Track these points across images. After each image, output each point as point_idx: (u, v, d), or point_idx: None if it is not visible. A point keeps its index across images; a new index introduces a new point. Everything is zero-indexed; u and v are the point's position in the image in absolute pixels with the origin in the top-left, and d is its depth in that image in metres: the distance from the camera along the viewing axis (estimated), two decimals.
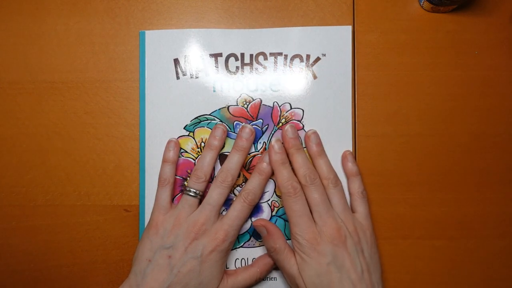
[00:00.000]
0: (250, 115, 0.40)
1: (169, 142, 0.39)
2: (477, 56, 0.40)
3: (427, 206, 0.40)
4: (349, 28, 0.40)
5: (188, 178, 0.40)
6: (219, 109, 0.40)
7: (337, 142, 0.40)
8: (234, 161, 0.38)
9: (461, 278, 0.40)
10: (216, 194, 0.37)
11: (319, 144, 0.39)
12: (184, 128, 0.40)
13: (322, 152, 0.38)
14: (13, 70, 0.41)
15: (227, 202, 0.40)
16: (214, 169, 0.39)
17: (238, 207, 0.37)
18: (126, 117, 0.41)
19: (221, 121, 0.40)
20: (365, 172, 0.40)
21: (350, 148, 0.40)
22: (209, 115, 0.40)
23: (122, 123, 0.41)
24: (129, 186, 0.41)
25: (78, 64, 0.41)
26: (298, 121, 0.40)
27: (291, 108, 0.40)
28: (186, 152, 0.40)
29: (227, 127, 0.40)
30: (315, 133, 0.39)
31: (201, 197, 0.38)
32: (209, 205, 0.37)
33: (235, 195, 0.40)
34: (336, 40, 0.40)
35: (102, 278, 0.40)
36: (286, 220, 0.40)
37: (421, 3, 0.40)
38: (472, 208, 0.40)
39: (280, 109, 0.40)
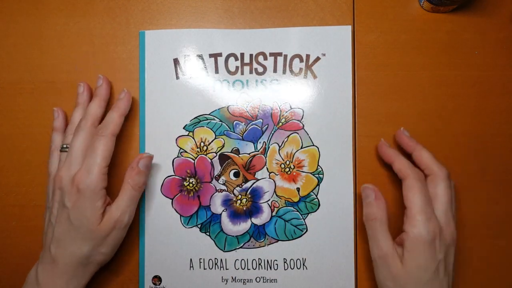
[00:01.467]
0: (250, 115, 0.40)
1: (55, 110, 0.41)
2: (477, 56, 0.40)
3: None
4: (349, 28, 0.40)
5: (187, 178, 0.40)
6: (219, 109, 0.40)
7: (337, 142, 0.40)
8: (93, 107, 0.38)
9: (461, 278, 0.40)
10: (72, 141, 0.37)
11: None
12: (183, 128, 0.40)
13: None
14: (13, 70, 0.41)
15: (227, 203, 0.40)
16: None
17: (80, 136, 0.37)
18: (126, 117, 0.41)
19: (220, 121, 0.40)
20: (365, 172, 0.40)
21: (350, 148, 0.40)
22: (209, 115, 0.40)
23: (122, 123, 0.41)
24: None
25: (78, 64, 0.41)
26: (298, 120, 0.40)
27: (291, 108, 0.40)
28: (186, 152, 0.40)
29: (228, 126, 0.40)
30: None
31: None
32: (67, 153, 0.37)
33: (235, 195, 0.40)
34: (336, 40, 0.40)
35: (102, 278, 0.40)
36: (286, 221, 0.40)
37: (421, 3, 0.40)
38: (472, 208, 0.40)
39: (280, 109, 0.40)
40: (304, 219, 0.40)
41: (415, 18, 0.41)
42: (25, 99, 0.41)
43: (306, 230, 0.40)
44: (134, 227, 0.40)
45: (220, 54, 0.41)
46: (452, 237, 0.34)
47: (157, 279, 0.40)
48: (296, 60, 0.40)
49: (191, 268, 0.40)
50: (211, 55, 0.41)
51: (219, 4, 0.41)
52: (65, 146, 0.38)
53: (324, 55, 0.40)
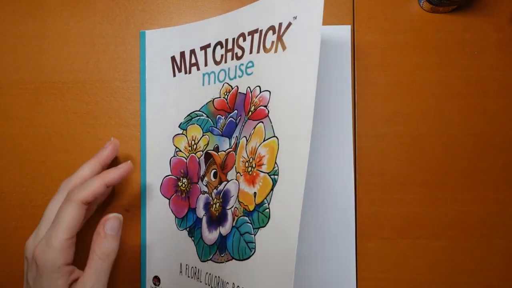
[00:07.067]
0: (229, 106, 0.36)
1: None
2: (477, 56, 0.40)
3: (427, 206, 0.40)
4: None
5: (181, 178, 0.39)
6: (206, 103, 0.38)
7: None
8: (84, 169, 0.35)
9: (461, 278, 0.40)
10: (48, 204, 0.34)
11: None
12: (179, 126, 0.39)
13: None
14: (13, 70, 0.41)
15: (206, 206, 0.37)
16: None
17: (56, 199, 0.33)
18: (126, 117, 0.41)
19: (207, 116, 0.38)
20: (365, 172, 0.40)
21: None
22: (199, 111, 0.39)
23: (122, 123, 0.41)
24: (129, 186, 0.41)
25: (78, 64, 0.41)
26: (264, 106, 0.32)
27: (260, 92, 0.33)
28: (180, 151, 0.39)
29: (212, 121, 0.37)
30: None
31: None
32: (41, 218, 0.33)
33: (212, 198, 0.36)
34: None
35: None
36: (241, 234, 0.33)
37: (421, 4, 0.40)
38: (472, 208, 0.40)
39: (251, 95, 0.34)
40: (254, 235, 0.32)
41: (415, 18, 0.41)
42: (25, 99, 0.41)
43: (254, 251, 0.32)
44: (135, 227, 0.40)
45: (209, 45, 0.38)
46: None
47: (157, 279, 0.40)
48: (270, 33, 0.33)
49: (180, 273, 0.38)
50: (201, 48, 0.39)
51: (219, 4, 0.42)
52: None
53: (295, 18, 0.31)
